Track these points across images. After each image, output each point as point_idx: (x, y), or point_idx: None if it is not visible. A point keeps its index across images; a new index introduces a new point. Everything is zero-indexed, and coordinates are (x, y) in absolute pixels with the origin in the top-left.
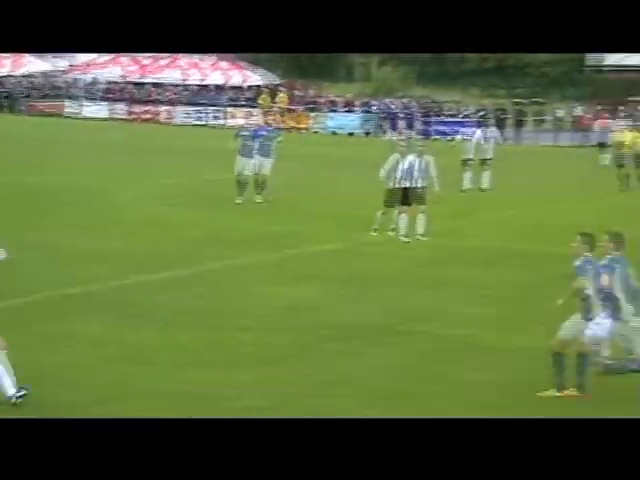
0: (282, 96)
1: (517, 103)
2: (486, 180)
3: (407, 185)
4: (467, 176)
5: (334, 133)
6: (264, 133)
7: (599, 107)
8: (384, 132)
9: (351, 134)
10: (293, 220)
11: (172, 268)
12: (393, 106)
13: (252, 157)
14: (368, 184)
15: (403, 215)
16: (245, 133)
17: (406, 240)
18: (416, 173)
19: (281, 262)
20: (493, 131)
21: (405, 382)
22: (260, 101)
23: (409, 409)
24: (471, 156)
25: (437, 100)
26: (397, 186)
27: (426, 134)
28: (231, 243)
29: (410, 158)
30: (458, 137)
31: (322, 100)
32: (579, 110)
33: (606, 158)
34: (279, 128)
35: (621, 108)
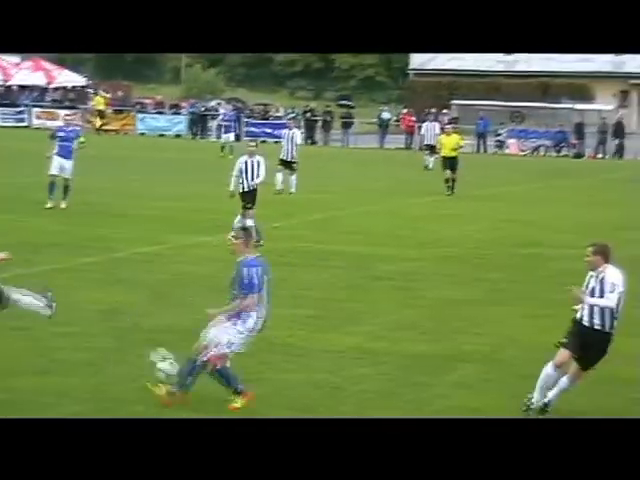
0: (103, 96)
1: (327, 105)
2: (293, 183)
3: (247, 187)
4: (280, 177)
5: (162, 135)
6: (62, 134)
7: (405, 110)
8: (195, 134)
9: (178, 136)
10: (112, 224)
11: None
12: (203, 108)
13: (61, 158)
14: (195, 185)
15: (247, 219)
16: (59, 134)
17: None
18: (250, 174)
19: (98, 266)
20: (297, 133)
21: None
22: (94, 102)
23: (233, 412)
24: (283, 158)
25: (247, 102)
26: (244, 189)
27: (238, 136)
28: (48, 248)
29: (244, 159)
30: (272, 139)
31: (148, 102)
32: (387, 114)
33: (431, 161)
34: (99, 129)
35: (433, 111)
